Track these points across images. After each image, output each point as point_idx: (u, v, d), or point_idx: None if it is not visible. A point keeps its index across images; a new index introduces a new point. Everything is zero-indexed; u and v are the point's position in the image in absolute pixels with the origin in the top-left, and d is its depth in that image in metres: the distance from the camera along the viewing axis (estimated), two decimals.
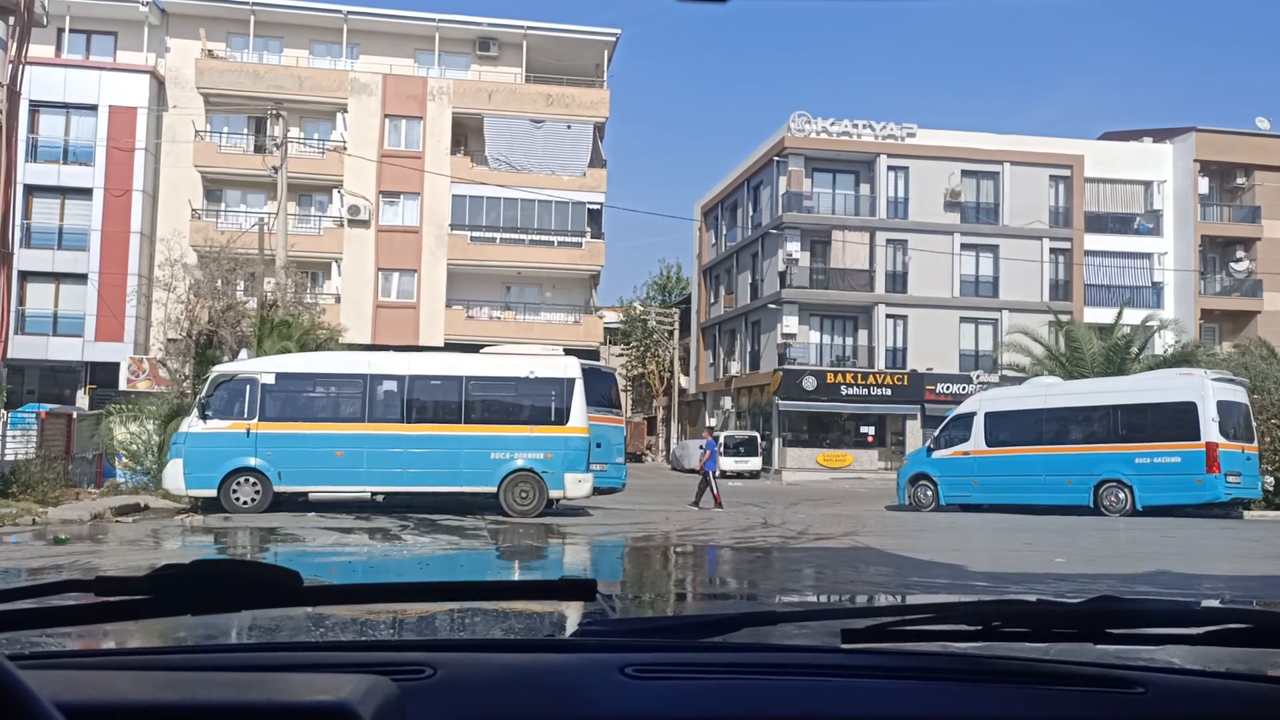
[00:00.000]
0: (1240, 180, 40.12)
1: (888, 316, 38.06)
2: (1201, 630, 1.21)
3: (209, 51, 34.70)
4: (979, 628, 1.25)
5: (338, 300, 34.11)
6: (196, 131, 34.02)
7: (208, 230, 31.17)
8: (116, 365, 31.59)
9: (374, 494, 17.81)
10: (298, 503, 17.71)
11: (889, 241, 38.24)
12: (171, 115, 34.24)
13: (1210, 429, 19.66)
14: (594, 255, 36.41)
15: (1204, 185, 39.59)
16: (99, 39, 35.27)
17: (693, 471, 39.79)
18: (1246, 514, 20.70)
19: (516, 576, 10.82)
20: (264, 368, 17.44)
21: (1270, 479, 21.54)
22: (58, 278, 32.84)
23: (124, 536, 12.84)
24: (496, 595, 1.34)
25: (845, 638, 1.27)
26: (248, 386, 16.95)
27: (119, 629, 1.46)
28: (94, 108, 33.08)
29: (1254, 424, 20.92)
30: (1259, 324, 37.47)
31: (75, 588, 1.09)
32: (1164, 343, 30.02)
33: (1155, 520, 18.80)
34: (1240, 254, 39.94)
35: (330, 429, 17.02)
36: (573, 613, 1.71)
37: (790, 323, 37.74)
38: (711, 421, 45.89)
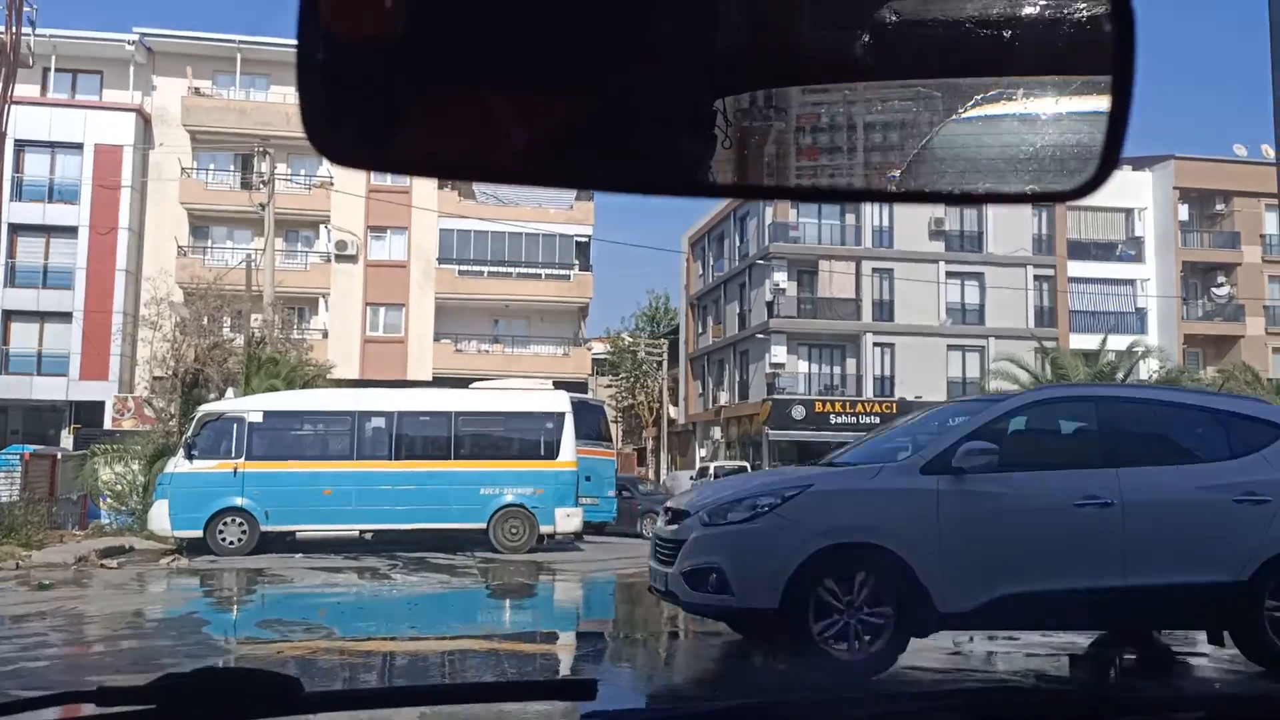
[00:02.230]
0: (1220, 206, 40.57)
1: (875, 345, 38.20)
2: (1197, 715, 1.20)
3: (195, 89, 34.80)
4: (979, 718, 1.24)
5: (325, 336, 34.03)
6: (183, 169, 34.04)
7: (194, 267, 31.10)
8: (102, 404, 31.38)
9: (362, 532, 17.68)
10: (285, 542, 17.57)
11: (875, 270, 38.45)
12: (158, 153, 34.26)
13: None
14: (582, 288, 36.47)
15: (1184, 212, 40.02)
16: (85, 78, 35.33)
17: None
18: None
19: (507, 616, 10.75)
20: (251, 406, 17.35)
21: None
22: (42, 316, 32.68)
23: (109, 580, 12.70)
24: (497, 698, 1.33)
25: None
26: (234, 425, 16.85)
27: None
28: (79, 146, 33.07)
29: None
30: (1242, 348, 37.76)
31: (76, 699, 1.08)
32: (1149, 368, 30.21)
33: None
34: (1221, 279, 40.30)
35: (318, 467, 16.92)
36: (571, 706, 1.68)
37: (778, 352, 37.82)
38: (701, 452, 45.84)
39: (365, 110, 0.74)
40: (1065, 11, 0.74)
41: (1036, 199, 0.78)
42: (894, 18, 0.76)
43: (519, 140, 0.74)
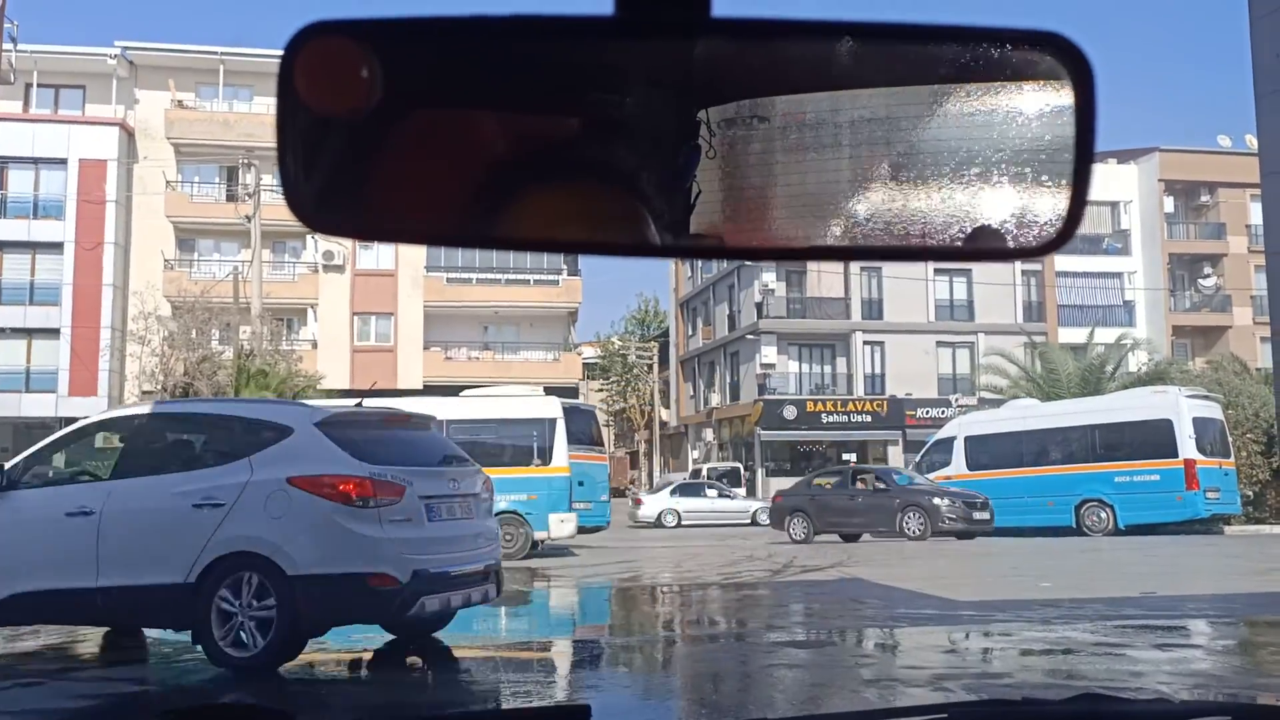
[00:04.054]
0: (1205, 198, 40.77)
1: (865, 343, 38.28)
2: None
3: (178, 102, 34.69)
4: None
5: (314, 346, 33.95)
6: (168, 182, 33.92)
7: (181, 280, 31.00)
8: None
9: None
10: None
11: (863, 269, 38.52)
12: (142, 166, 34.13)
13: (1187, 446, 19.85)
14: (571, 293, 36.47)
15: (1169, 204, 40.19)
16: (67, 93, 35.20)
17: None
18: (1227, 529, 20.85)
19: (502, 624, 10.75)
20: None
21: (1249, 493, 21.72)
22: (29, 333, 32.53)
23: None
24: None
25: None
26: None
27: None
28: (63, 161, 32.94)
29: (1230, 439, 21.12)
30: (1230, 339, 37.93)
31: None
32: (1138, 361, 30.34)
33: (1138, 539, 18.89)
34: (1208, 270, 40.50)
35: None
36: None
37: (769, 353, 37.87)
38: (694, 454, 45.84)
39: (344, 181, 0.75)
40: (1024, 75, 0.75)
41: (1006, 256, 0.81)
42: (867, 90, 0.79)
43: (496, 207, 0.76)
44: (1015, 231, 0.76)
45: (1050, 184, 0.75)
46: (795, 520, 20.42)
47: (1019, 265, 39.06)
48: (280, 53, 0.75)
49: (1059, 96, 0.74)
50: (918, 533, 19.17)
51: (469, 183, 0.75)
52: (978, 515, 19.40)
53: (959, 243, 0.76)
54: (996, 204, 0.76)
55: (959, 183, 0.76)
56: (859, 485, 20.66)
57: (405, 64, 0.72)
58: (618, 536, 20.58)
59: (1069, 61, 0.72)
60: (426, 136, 0.73)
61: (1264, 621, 9.34)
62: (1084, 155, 0.73)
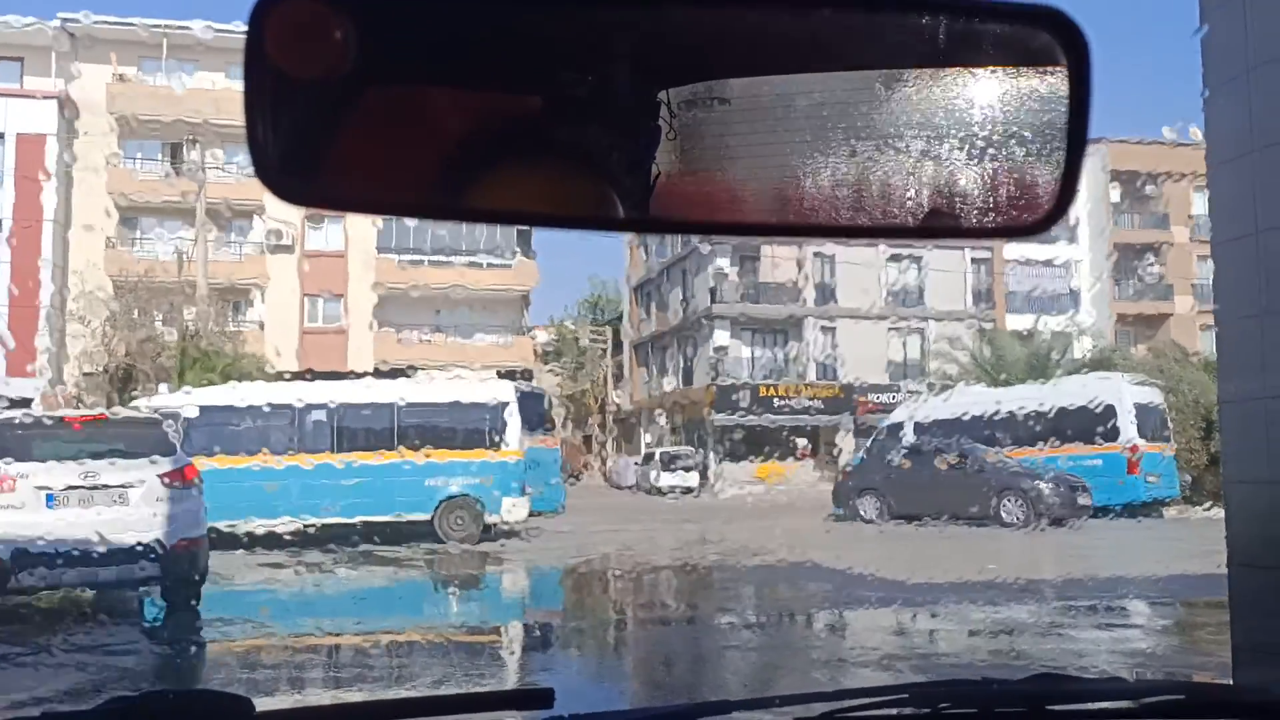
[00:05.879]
0: (1149, 188, 41.59)
1: (817, 328, 38.59)
2: (1138, 703, 1.26)
3: (120, 76, 33.82)
4: (927, 710, 1.27)
5: (262, 328, 33.42)
6: (108, 158, 33.09)
7: (123, 259, 30.29)
8: (29, 401, 30.45)
9: (306, 526, 17.43)
10: (225, 539, 17.22)
11: (816, 254, 38.77)
12: (82, 142, 33.24)
13: (1129, 431, 20.30)
14: (525, 276, 36.29)
15: (1115, 194, 40.97)
16: (4, 65, 34.10)
17: (631, 488, 39.79)
18: (1166, 512, 21.37)
19: (454, 608, 10.71)
20: (186, 402, 16.98)
21: (1188, 477, 22.28)
22: None
23: None
24: (453, 710, 1.32)
25: None
26: (169, 422, 16.46)
27: None
28: (0, 136, 31.98)
29: (1170, 425, 21.64)
30: (1171, 327, 38.81)
31: None
32: (1083, 348, 30.96)
33: (1080, 522, 19.29)
34: (1151, 259, 41.38)
35: (257, 461, 16.62)
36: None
37: (722, 338, 38.03)
38: (647, 438, 45.93)
39: (314, 150, 0.72)
40: (1015, 50, 0.74)
41: (997, 234, 0.80)
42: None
43: (464, 177, 0.73)
44: (1005, 209, 0.75)
45: (1042, 161, 0.74)
46: (866, 500, 19.14)
47: (968, 252, 39.56)
48: (240, 27, 0.71)
49: (1052, 74, 0.72)
50: (1019, 520, 17.44)
51: (437, 151, 0.72)
52: (1080, 500, 18.03)
53: (949, 221, 0.75)
54: (987, 181, 0.75)
55: (949, 159, 0.74)
56: (941, 464, 18.98)
57: (376, 27, 0.69)
58: (571, 520, 20.52)
59: (1064, 38, 0.70)
60: (395, 104, 0.70)
61: (1201, 602, 9.59)
62: (1077, 133, 0.72)
